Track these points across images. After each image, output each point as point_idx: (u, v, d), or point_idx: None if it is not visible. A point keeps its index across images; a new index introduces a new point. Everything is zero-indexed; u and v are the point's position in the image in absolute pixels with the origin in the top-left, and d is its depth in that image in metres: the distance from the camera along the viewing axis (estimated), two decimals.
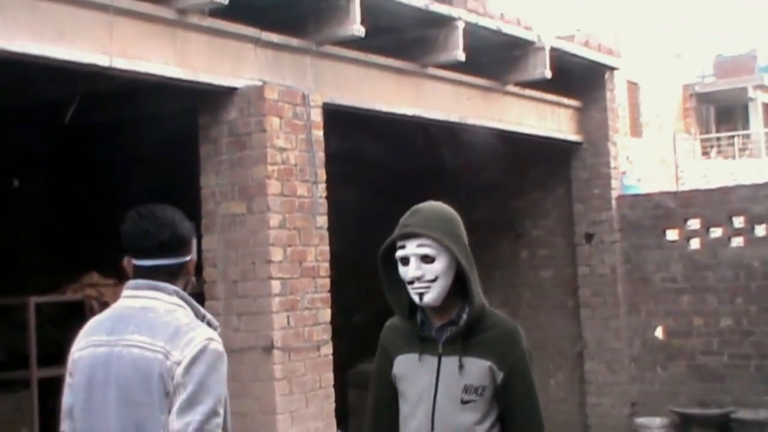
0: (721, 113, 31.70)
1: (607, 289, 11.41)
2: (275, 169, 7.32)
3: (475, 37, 9.04)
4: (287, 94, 7.52)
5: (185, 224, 3.17)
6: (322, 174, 7.75)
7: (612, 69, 11.90)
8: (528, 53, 10.00)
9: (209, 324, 3.07)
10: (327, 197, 7.80)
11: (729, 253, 10.73)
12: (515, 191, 12.26)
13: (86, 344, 3.07)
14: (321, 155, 7.74)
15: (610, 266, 11.43)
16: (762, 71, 30.57)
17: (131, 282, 3.11)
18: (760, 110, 30.62)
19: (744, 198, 10.81)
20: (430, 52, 8.92)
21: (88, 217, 10.48)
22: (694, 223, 11.03)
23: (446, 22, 8.73)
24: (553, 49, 10.14)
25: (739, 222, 10.76)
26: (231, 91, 7.37)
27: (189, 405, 2.81)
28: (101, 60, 6.35)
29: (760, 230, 10.71)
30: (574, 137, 11.68)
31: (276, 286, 7.29)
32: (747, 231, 10.74)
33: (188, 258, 3.15)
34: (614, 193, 11.56)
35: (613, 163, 11.65)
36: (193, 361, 2.86)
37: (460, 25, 8.75)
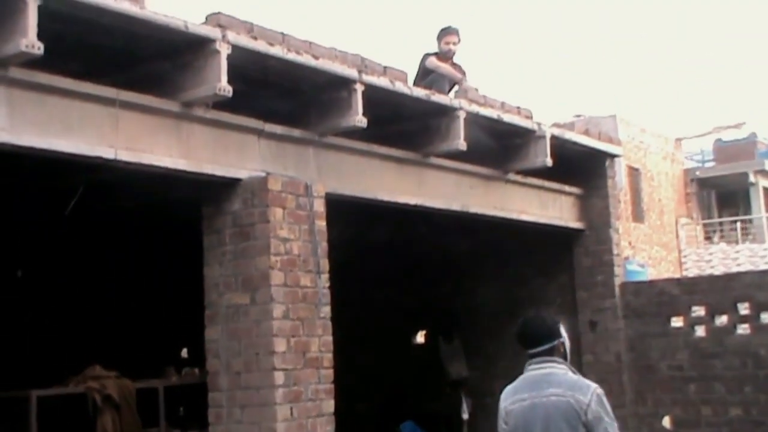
0: (723, 198, 31.79)
1: (613, 377, 11.30)
2: (278, 259, 7.32)
3: (476, 126, 9.13)
4: (290, 184, 7.56)
5: (553, 319, 4.93)
6: (325, 264, 7.74)
7: (612, 156, 11.98)
8: (529, 141, 10.08)
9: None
10: (330, 286, 7.78)
11: (735, 340, 10.66)
12: (518, 278, 12.23)
13: (513, 401, 4.75)
14: (324, 245, 7.74)
15: (614, 354, 11.35)
16: (762, 156, 30.74)
17: (533, 360, 4.75)
18: (762, 195, 30.71)
19: (748, 284, 10.78)
20: (432, 141, 9.00)
21: (92, 308, 10.45)
22: (698, 310, 10.97)
23: (447, 112, 8.83)
24: (553, 137, 10.23)
25: (744, 309, 10.69)
26: (234, 182, 7.42)
27: (605, 428, 4.52)
28: (106, 153, 6.42)
29: (765, 317, 10.64)
30: (576, 224, 11.71)
31: (279, 377, 7.23)
32: (752, 318, 10.67)
33: (560, 340, 4.81)
34: (617, 280, 11.53)
35: (615, 250, 11.65)
36: (597, 400, 4.55)
37: (462, 114, 8.84)
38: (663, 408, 11.09)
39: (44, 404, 7.88)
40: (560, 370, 4.72)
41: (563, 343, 4.85)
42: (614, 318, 11.39)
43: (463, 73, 10.00)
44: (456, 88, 9.91)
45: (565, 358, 4.82)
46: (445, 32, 10.00)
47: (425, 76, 9.52)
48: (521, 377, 4.81)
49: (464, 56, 10.07)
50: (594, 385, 4.63)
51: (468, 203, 9.86)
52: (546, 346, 4.77)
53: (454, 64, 9.97)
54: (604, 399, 4.61)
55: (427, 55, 9.88)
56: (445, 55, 9.88)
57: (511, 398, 4.79)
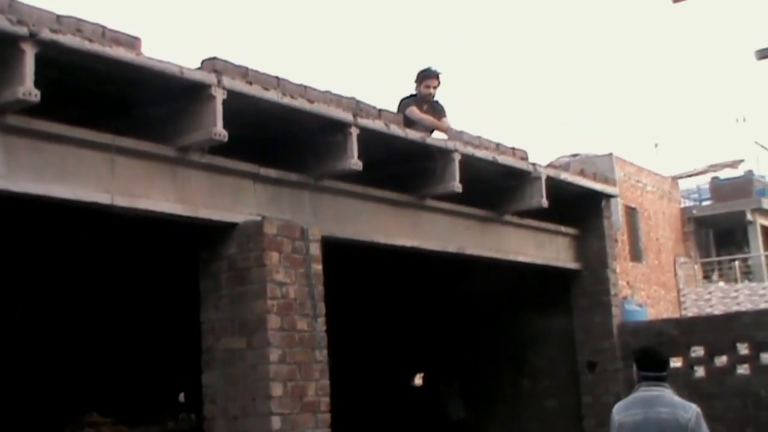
0: (721, 237, 31.79)
1: None
2: (275, 303, 7.31)
3: (472, 168, 9.14)
4: (286, 228, 7.57)
5: (666, 354, 6.17)
6: (321, 308, 7.73)
7: (608, 197, 11.99)
8: (524, 183, 10.10)
9: None
10: (327, 330, 7.76)
11: (735, 381, 10.59)
12: (516, 319, 12.19)
13: (626, 415, 5.72)
14: (320, 289, 7.73)
15: (614, 395, 11.24)
16: (759, 194, 30.78)
17: (645, 383, 5.75)
18: (759, 233, 30.72)
19: (747, 325, 10.74)
20: (428, 183, 9.02)
21: (89, 355, 10.42)
22: (698, 350, 10.92)
23: (443, 154, 8.85)
24: (549, 178, 10.24)
25: (743, 349, 10.65)
26: (230, 226, 7.43)
27: None
28: (103, 198, 6.44)
29: (765, 357, 10.59)
30: (573, 265, 11.69)
31: (276, 421, 7.19)
32: (752, 358, 10.61)
33: (668, 371, 5.89)
34: (615, 321, 11.49)
35: (613, 291, 11.63)
36: (696, 418, 5.60)
37: (457, 157, 8.87)
38: None
39: None
40: (668, 393, 5.78)
41: (668, 374, 5.99)
42: (613, 359, 11.34)
43: (443, 112, 9.91)
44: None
45: None
46: (426, 75, 9.87)
47: (408, 125, 9.35)
48: (633, 396, 5.84)
49: (457, 97, 9.98)
50: (695, 406, 5.72)
51: (464, 245, 9.86)
52: (659, 373, 5.84)
53: (433, 105, 9.88)
54: (702, 417, 5.70)
55: (404, 101, 9.74)
56: (423, 99, 9.80)
57: (624, 412, 5.80)
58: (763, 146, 33.10)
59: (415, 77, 9.90)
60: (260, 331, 7.27)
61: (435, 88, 9.90)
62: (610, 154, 22.05)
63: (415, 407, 12.70)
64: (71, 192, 6.27)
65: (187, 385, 8.85)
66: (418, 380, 13.32)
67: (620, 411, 5.84)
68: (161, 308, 10.52)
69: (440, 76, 9.94)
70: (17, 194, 6.00)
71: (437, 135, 9.27)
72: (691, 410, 5.65)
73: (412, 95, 9.83)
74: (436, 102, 9.90)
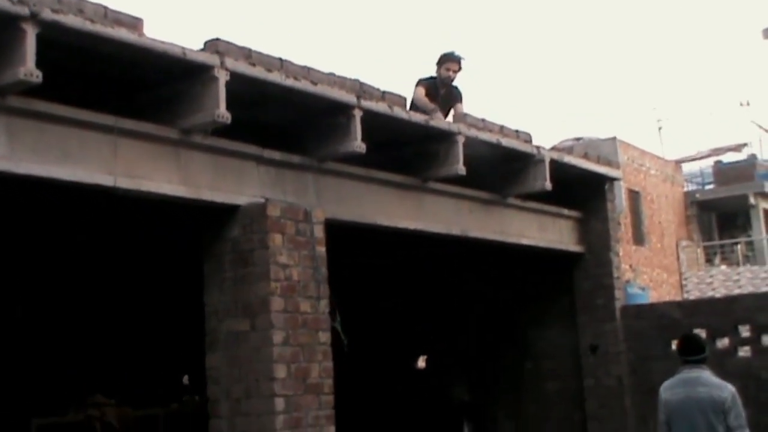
0: (723, 220, 31.77)
1: (615, 400, 11.26)
2: (278, 285, 7.31)
3: (475, 150, 9.13)
4: (289, 210, 7.56)
5: (704, 340, 7.47)
6: (325, 290, 7.72)
7: (612, 180, 11.98)
8: (528, 166, 10.09)
9: None
10: (330, 313, 7.77)
11: (736, 363, 10.60)
12: (518, 302, 12.20)
13: (671, 393, 6.64)
14: (324, 271, 7.73)
15: (616, 378, 11.31)
16: (762, 178, 30.72)
17: (687, 366, 6.63)
18: (762, 217, 30.70)
19: (749, 307, 10.76)
20: (431, 166, 9.01)
21: (90, 339, 10.44)
22: (700, 333, 10.92)
23: (446, 137, 8.83)
24: (552, 161, 10.22)
25: (745, 331, 10.67)
26: (233, 208, 7.41)
27: (737, 420, 6.43)
28: (105, 180, 6.42)
29: (767, 340, 10.60)
30: (576, 248, 11.69)
31: (280, 403, 7.20)
32: (753, 341, 10.64)
33: (707, 354, 6.81)
34: (618, 304, 11.50)
35: (615, 273, 11.63)
36: (732, 397, 6.47)
37: (460, 139, 8.85)
38: None
39: None
40: (706, 374, 6.64)
41: (707, 357, 6.87)
42: (615, 341, 11.36)
43: (460, 97, 9.94)
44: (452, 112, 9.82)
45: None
46: (447, 58, 9.91)
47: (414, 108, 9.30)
48: (677, 377, 6.73)
49: (460, 80, 9.89)
50: (731, 386, 6.60)
51: (467, 227, 9.86)
52: (700, 357, 6.71)
53: (451, 89, 9.91)
54: (737, 396, 6.57)
55: (421, 81, 9.78)
56: (442, 82, 9.83)
57: (669, 391, 6.71)
58: (761, 126, 33.02)
59: (437, 59, 9.94)
60: (264, 313, 7.27)
61: (455, 72, 9.94)
62: (614, 138, 22.02)
63: (418, 390, 12.73)
64: (74, 174, 6.25)
65: (191, 367, 8.85)
66: (421, 363, 13.32)
67: (666, 390, 6.76)
68: (165, 291, 10.53)
69: (462, 61, 9.97)
70: (20, 176, 5.99)
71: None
72: (727, 390, 6.52)
73: (431, 77, 9.85)
74: (455, 87, 9.94)
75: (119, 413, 8.31)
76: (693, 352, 6.76)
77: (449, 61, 9.91)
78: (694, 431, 6.54)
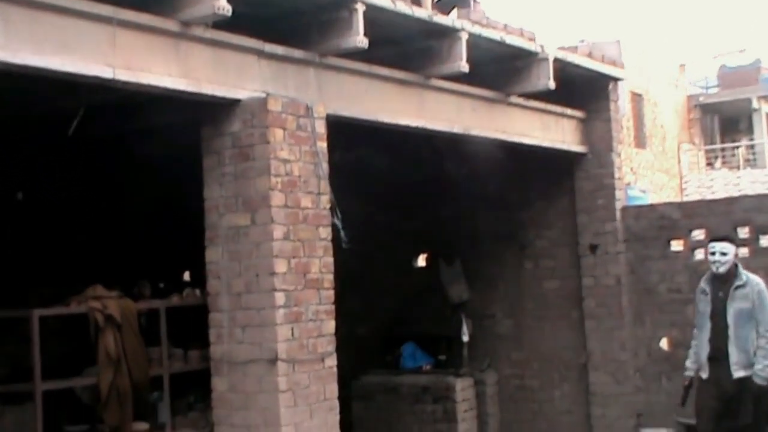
0: (726, 124, 31.68)
1: (612, 300, 11.37)
2: (279, 180, 7.30)
3: (479, 48, 9.03)
4: (291, 105, 7.51)
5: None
6: (326, 186, 7.72)
7: (615, 80, 11.89)
8: (531, 64, 9.99)
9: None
10: (331, 208, 7.78)
11: None
12: (519, 202, 12.22)
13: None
14: (325, 167, 7.72)
15: (614, 277, 11.39)
16: (766, 82, 30.52)
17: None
18: (764, 121, 30.59)
19: (749, 208, 10.79)
20: (434, 63, 8.91)
21: (93, 228, 10.47)
22: (698, 234, 10.99)
23: (449, 33, 8.72)
24: (556, 60, 10.13)
25: (744, 233, 10.71)
26: (234, 102, 7.36)
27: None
28: (104, 72, 6.33)
29: (765, 241, 10.66)
30: (578, 148, 11.67)
31: (280, 298, 7.27)
32: (752, 241, 10.71)
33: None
34: (618, 204, 11.53)
35: (617, 174, 11.63)
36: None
37: (464, 36, 8.73)
38: (661, 329, 11.20)
39: (46, 324, 7.91)
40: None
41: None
42: (615, 241, 11.42)
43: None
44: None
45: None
46: None
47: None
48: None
49: None
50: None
51: (469, 126, 9.81)
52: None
53: None
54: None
55: None
56: None
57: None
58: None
59: None
60: (264, 207, 7.27)
61: None
62: (618, 41, 21.79)
63: (417, 287, 12.82)
64: (72, 65, 6.14)
65: (192, 261, 8.90)
66: (421, 261, 13.39)
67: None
68: (164, 185, 10.53)
69: None
70: (16, 66, 5.90)
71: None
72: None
73: None
74: None
75: (121, 305, 8.35)
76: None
77: None
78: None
